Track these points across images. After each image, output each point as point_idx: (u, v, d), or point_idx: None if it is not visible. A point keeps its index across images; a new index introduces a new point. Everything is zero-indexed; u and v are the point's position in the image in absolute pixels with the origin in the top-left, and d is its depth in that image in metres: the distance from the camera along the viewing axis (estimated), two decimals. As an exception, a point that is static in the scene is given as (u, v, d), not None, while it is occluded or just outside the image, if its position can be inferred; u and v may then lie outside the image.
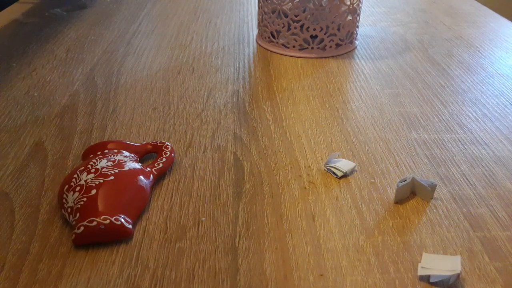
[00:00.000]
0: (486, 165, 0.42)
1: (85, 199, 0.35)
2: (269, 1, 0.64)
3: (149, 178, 0.38)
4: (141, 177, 0.38)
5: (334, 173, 0.40)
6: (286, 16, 0.64)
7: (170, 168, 0.41)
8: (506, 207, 0.37)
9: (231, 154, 0.44)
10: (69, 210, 0.35)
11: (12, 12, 0.83)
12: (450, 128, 0.48)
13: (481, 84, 0.57)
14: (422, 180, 0.38)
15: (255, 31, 0.74)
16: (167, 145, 0.43)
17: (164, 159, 0.41)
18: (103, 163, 0.38)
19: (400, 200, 0.38)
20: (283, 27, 0.64)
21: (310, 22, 0.63)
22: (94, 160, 0.38)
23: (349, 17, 0.65)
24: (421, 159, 0.43)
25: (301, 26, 0.63)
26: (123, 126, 0.48)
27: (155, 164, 0.40)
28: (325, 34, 0.64)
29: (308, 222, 0.36)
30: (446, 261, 0.31)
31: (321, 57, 0.64)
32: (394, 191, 0.38)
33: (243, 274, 0.31)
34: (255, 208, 0.37)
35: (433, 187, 0.37)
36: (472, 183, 0.40)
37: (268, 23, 0.66)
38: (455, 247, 0.33)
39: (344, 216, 0.36)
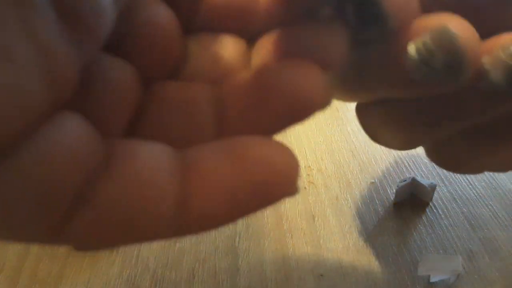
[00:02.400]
0: (486, 165, 0.42)
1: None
2: (269, 1, 0.64)
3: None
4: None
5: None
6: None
7: (170, 168, 0.41)
8: (506, 207, 0.37)
9: (231, 154, 0.43)
10: (69, 210, 0.35)
11: (12, 12, 0.83)
12: (450, 128, 0.47)
13: (481, 84, 0.56)
14: (422, 180, 0.38)
15: (255, 31, 0.74)
16: (167, 145, 0.43)
17: (164, 159, 0.41)
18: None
19: (400, 200, 0.38)
20: (283, 27, 0.64)
21: (310, 22, 0.63)
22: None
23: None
24: (421, 159, 0.43)
25: (301, 26, 0.63)
26: (123, 126, 0.48)
27: (155, 164, 0.40)
28: (325, 34, 0.64)
29: (308, 222, 0.36)
30: (446, 261, 0.31)
31: (321, 57, 0.64)
32: (394, 191, 0.38)
33: (243, 274, 0.31)
34: (255, 208, 0.37)
35: (433, 187, 0.37)
36: (472, 183, 0.40)
37: (268, 23, 0.66)
38: (455, 247, 0.33)
39: (344, 216, 0.36)
